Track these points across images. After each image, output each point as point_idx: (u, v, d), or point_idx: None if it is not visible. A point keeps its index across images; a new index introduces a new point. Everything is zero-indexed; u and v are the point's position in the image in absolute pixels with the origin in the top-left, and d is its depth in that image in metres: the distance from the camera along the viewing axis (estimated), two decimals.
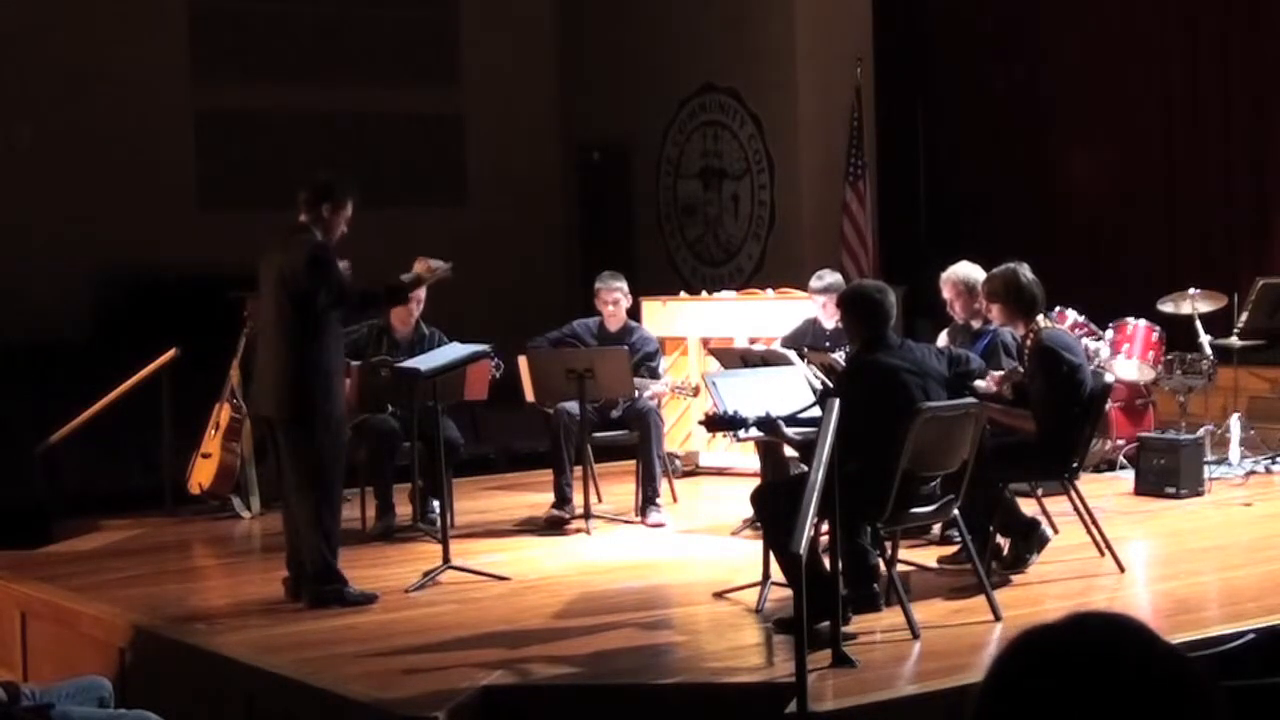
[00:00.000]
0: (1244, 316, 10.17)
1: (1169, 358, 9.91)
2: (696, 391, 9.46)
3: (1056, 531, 7.52)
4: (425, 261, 7.63)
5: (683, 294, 11.42)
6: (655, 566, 7.91)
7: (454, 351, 7.98)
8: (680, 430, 10.44)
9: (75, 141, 13.40)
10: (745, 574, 7.10)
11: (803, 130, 13.58)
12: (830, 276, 9.19)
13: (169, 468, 9.62)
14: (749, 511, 7.67)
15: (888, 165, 13.61)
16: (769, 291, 10.93)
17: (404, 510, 8.81)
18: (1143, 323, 10.00)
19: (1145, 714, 1.53)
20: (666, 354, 10.09)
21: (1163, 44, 12.35)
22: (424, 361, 7.79)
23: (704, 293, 11.53)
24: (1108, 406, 8.94)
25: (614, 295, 9.25)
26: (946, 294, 8.15)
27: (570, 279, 14.92)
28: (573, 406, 8.71)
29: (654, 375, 9.29)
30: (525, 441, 10.98)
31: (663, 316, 10.64)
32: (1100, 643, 1.58)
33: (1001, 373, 7.51)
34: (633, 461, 9.13)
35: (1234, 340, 10.06)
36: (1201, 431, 9.58)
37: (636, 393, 8.98)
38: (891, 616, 6.34)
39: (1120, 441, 9.92)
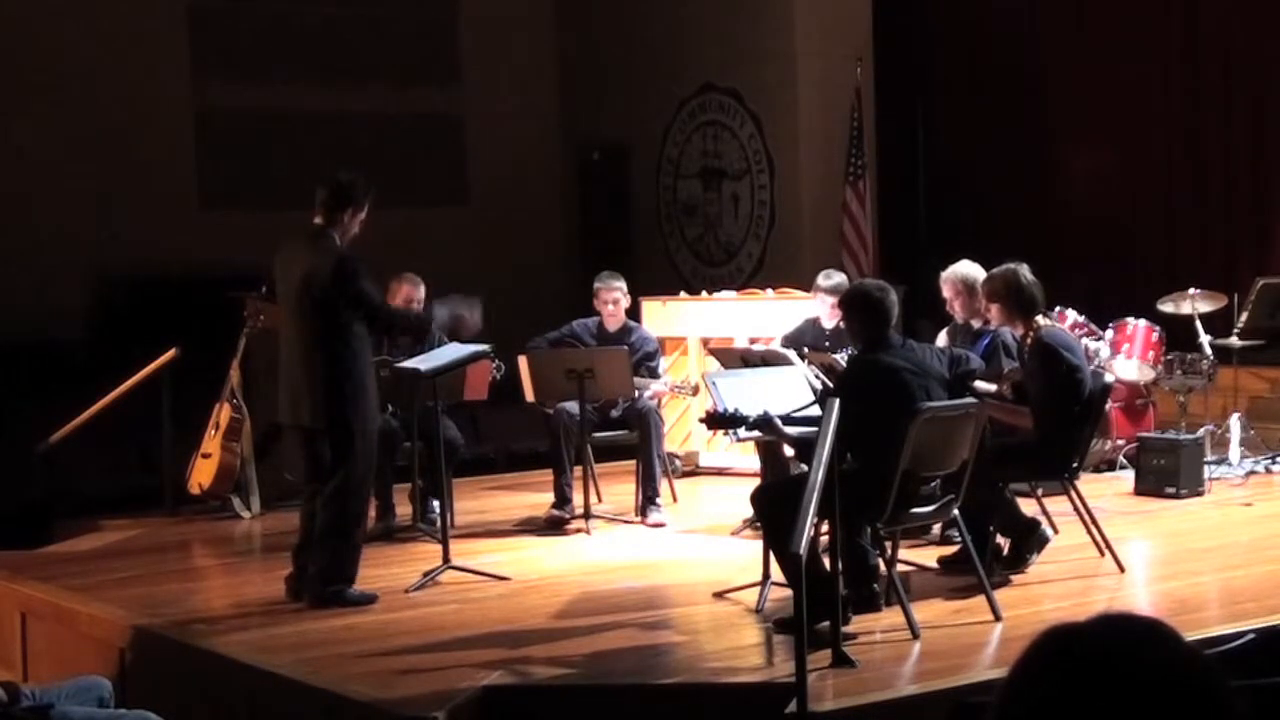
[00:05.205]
0: (1244, 316, 10.18)
1: (1169, 358, 9.91)
2: (696, 391, 9.46)
3: (1056, 531, 7.52)
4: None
5: (683, 294, 11.42)
6: (655, 566, 7.91)
7: (454, 351, 7.97)
8: (680, 430, 10.44)
9: (76, 141, 13.39)
10: (745, 574, 7.10)
11: (803, 130, 13.58)
12: (837, 276, 9.17)
13: (169, 468, 9.61)
14: (749, 511, 7.67)
15: (888, 165, 13.61)
16: (769, 291, 10.93)
17: (404, 510, 8.81)
18: (1143, 323, 10.00)
19: (1170, 717, 1.53)
20: (666, 354, 10.09)
21: (1163, 44, 12.34)
22: (424, 361, 7.78)
23: (704, 293, 11.52)
24: (1108, 406, 8.94)
25: (613, 295, 9.24)
26: (946, 293, 8.14)
27: (570, 279, 14.90)
28: (573, 406, 8.71)
29: (654, 375, 9.28)
30: (525, 441, 10.97)
31: (663, 316, 10.64)
32: (1127, 645, 1.57)
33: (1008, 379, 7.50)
34: (633, 461, 9.12)
35: (1234, 340, 10.06)
36: (1201, 431, 9.58)
37: (636, 393, 8.98)
38: (891, 616, 6.34)
39: (1120, 441, 9.92)
